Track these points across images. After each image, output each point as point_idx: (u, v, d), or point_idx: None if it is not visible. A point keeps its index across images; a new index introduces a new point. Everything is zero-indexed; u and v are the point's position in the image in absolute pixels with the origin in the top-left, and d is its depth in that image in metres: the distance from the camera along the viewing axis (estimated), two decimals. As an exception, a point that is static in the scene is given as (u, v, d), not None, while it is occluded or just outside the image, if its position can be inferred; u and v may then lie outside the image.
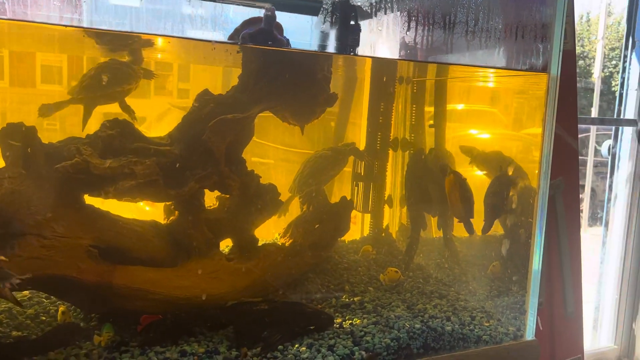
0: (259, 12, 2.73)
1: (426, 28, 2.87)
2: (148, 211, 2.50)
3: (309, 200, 2.86)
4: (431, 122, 3.12)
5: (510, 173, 2.71)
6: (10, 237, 1.88)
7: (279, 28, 2.51)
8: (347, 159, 3.13)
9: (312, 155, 3.08)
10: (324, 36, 3.49)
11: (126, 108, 2.45)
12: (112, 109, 2.60)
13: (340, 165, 3.12)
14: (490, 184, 2.77)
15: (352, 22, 3.38)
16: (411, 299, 2.61)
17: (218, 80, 3.31)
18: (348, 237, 3.24)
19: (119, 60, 2.48)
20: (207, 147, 2.25)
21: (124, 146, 2.11)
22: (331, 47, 3.47)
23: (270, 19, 2.44)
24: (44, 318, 2.18)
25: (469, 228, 2.70)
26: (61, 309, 2.17)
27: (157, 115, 3.21)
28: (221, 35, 2.45)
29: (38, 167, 1.99)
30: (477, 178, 2.97)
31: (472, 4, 2.49)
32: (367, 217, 3.39)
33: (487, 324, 2.47)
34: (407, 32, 2.89)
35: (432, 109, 3.16)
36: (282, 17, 2.99)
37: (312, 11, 3.33)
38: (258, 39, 2.46)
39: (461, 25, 2.60)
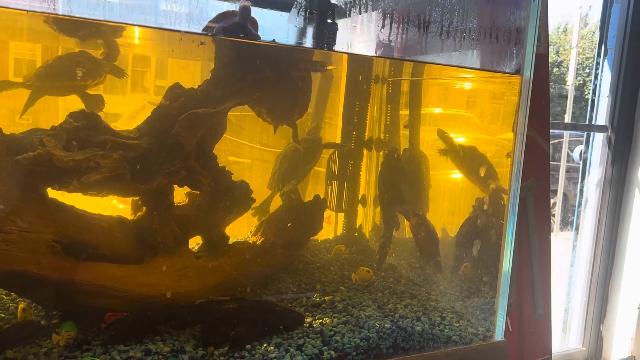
0: (235, 7, 2.71)
1: (402, 27, 2.87)
2: (115, 206, 2.45)
3: (285, 198, 2.83)
4: (406, 122, 3.11)
5: (482, 174, 2.73)
6: (-33, 230, 1.81)
7: (254, 23, 2.48)
8: (321, 150, 3.10)
9: (285, 148, 3.04)
10: (301, 34, 3.47)
11: (88, 101, 2.37)
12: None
13: (315, 157, 3.09)
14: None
15: (329, 20, 3.38)
16: (382, 299, 2.60)
17: (186, 73, 3.29)
18: (321, 237, 3.23)
19: (87, 54, 2.41)
20: (177, 141, 2.20)
21: (90, 139, 2.05)
22: (307, 45, 3.46)
23: (245, 12, 2.40)
24: (3, 315, 2.10)
25: (438, 267, 2.75)
26: (21, 306, 2.10)
27: (120, 105, 3.16)
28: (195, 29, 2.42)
29: (0, 159, 1.92)
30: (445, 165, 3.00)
31: (447, 4, 2.49)
32: (341, 216, 3.37)
33: (457, 325, 2.47)
34: (383, 31, 2.89)
35: (407, 109, 3.16)
36: (258, 13, 2.97)
37: (289, 8, 3.31)
38: (231, 33, 2.43)
39: (436, 25, 2.61)
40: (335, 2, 3.28)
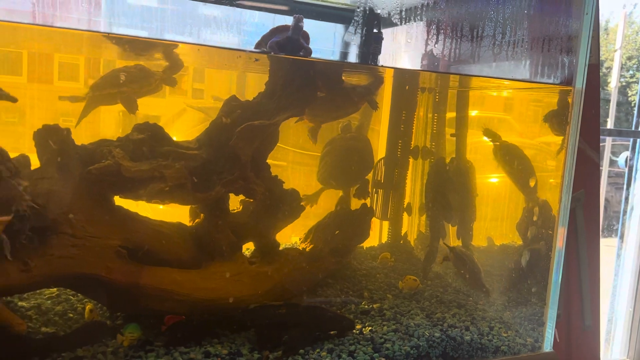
0: (284, 19, 2.79)
1: (450, 39, 2.90)
2: (170, 212, 2.55)
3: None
4: (453, 131, 3.13)
5: (532, 184, 2.73)
6: (44, 235, 1.93)
7: (306, 36, 2.55)
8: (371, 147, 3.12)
9: (331, 145, 3.06)
10: (346, 43, 3.53)
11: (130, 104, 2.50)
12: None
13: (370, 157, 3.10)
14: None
15: (375, 30, 3.43)
16: (430, 308, 2.63)
17: (239, 84, 3.41)
18: (366, 244, 3.27)
19: (141, 66, 2.54)
20: (234, 152, 2.29)
21: (154, 150, 2.16)
22: (353, 54, 3.51)
23: (298, 27, 2.47)
24: (71, 315, 2.23)
25: (487, 295, 2.76)
26: (88, 307, 2.22)
27: (173, 115, 3.29)
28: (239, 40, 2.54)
29: (71, 168, 2.04)
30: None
31: (500, 17, 2.51)
32: (386, 224, 3.41)
33: (505, 335, 2.48)
34: (431, 42, 2.93)
35: (453, 118, 3.18)
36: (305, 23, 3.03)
37: (335, 18, 3.38)
38: (285, 47, 2.51)
39: (485, 37, 2.63)
40: (383, 12, 3.34)
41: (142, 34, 2.34)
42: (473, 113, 3.31)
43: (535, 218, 2.66)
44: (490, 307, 2.74)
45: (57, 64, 2.90)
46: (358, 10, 3.48)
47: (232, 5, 2.60)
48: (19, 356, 1.84)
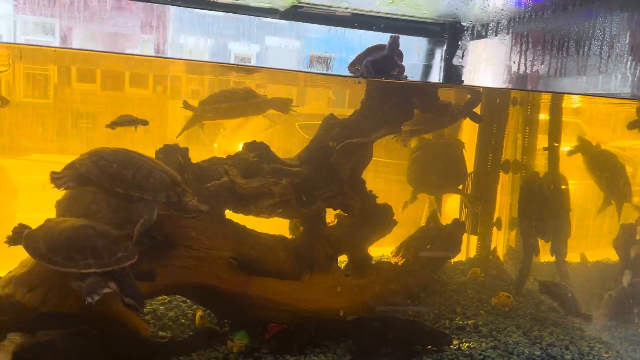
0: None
1: (539, 52, 2.87)
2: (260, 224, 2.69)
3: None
4: (545, 145, 3.08)
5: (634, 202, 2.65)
6: (167, 247, 2.10)
7: (400, 55, 2.61)
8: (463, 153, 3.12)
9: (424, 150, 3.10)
10: (429, 56, 3.56)
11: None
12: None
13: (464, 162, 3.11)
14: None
15: (460, 43, 3.44)
16: (525, 325, 2.60)
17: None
18: (454, 258, 3.26)
19: (248, 88, 2.74)
20: (333, 168, 2.38)
21: (262, 167, 2.29)
22: (436, 67, 3.54)
23: (393, 46, 2.54)
24: (183, 321, 2.39)
25: (587, 320, 2.65)
26: (199, 313, 2.38)
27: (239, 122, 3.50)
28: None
29: (189, 184, 2.20)
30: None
31: (598, 32, 2.47)
32: (473, 238, 3.39)
33: (606, 355, 2.42)
34: (521, 55, 2.91)
35: (545, 132, 3.13)
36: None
37: (419, 32, 3.42)
38: (380, 66, 2.58)
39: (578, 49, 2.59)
40: (471, 26, 3.35)
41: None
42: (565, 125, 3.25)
43: (639, 237, 2.57)
44: (588, 326, 2.66)
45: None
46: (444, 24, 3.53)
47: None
48: (145, 357, 2.00)
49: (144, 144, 3.35)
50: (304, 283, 2.40)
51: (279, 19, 3.06)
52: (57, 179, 1.87)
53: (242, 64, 2.71)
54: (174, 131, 3.46)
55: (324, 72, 3.08)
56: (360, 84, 2.57)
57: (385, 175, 3.48)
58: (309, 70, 3.05)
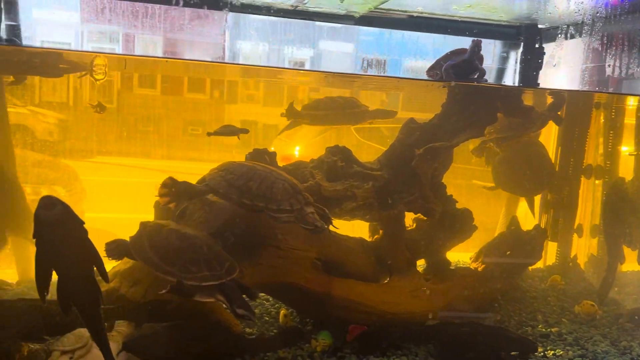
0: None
1: (622, 53, 2.78)
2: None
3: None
4: (631, 149, 2.97)
5: None
6: (256, 246, 2.19)
7: (480, 59, 2.60)
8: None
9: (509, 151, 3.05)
10: (503, 59, 3.52)
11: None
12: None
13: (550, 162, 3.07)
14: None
15: (537, 46, 3.37)
16: (611, 334, 2.52)
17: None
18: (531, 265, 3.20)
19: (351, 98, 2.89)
20: (414, 172, 2.40)
21: (345, 171, 2.34)
22: (511, 70, 3.49)
23: (475, 50, 2.53)
24: (267, 318, 2.48)
25: None
26: (282, 312, 2.45)
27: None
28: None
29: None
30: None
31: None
32: (552, 245, 3.30)
33: (703, 371, 2.30)
34: (603, 56, 2.83)
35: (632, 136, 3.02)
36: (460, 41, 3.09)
37: (493, 35, 3.38)
38: (460, 70, 2.58)
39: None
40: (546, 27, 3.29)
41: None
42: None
43: None
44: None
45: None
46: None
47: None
48: (237, 352, 2.09)
49: (201, 146, 3.53)
50: (384, 286, 2.43)
51: (354, 24, 3.12)
52: (161, 192, 1.99)
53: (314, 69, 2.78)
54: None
55: (396, 75, 3.12)
56: (445, 87, 2.57)
57: (453, 181, 3.46)
58: (379, 74, 3.11)
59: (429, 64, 2.74)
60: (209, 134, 2.39)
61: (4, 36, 2.44)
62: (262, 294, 2.61)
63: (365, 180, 2.33)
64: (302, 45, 2.94)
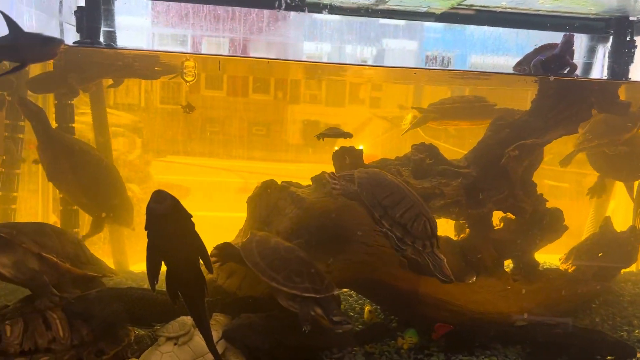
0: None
1: None
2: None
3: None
4: None
5: None
6: (343, 242, 2.23)
7: (571, 53, 2.52)
8: None
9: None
10: (590, 53, 3.36)
11: None
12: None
13: None
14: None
15: (628, 38, 3.20)
16: None
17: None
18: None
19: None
20: (504, 170, 2.36)
21: (431, 168, 2.33)
22: (599, 64, 3.34)
23: (567, 45, 2.46)
24: (351, 314, 2.51)
25: None
26: (367, 308, 2.48)
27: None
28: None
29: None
30: None
31: None
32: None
33: None
34: None
35: None
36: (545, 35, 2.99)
37: (581, 29, 3.24)
38: (550, 65, 2.51)
39: None
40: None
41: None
42: None
43: None
44: None
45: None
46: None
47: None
48: (326, 344, 2.14)
49: (265, 146, 3.60)
50: (472, 285, 2.40)
51: (434, 21, 3.10)
52: (333, 184, 2.05)
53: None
54: (292, 135, 3.66)
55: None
56: (537, 81, 2.51)
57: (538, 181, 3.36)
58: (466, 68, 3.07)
59: (511, 59, 2.70)
60: (317, 136, 2.40)
61: (103, 42, 2.60)
62: (346, 290, 2.66)
63: (453, 178, 2.32)
64: (365, 44, 2.94)
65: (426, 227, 1.92)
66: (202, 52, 2.94)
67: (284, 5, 2.36)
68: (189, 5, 2.70)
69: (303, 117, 3.39)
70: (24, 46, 1.74)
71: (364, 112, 3.77)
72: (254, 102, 3.75)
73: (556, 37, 2.63)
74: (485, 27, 3.02)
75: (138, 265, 3.04)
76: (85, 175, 2.59)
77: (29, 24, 2.60)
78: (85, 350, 1.86)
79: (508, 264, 2.65)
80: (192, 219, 1.70)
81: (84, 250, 2.12)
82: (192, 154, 3.64)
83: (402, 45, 3.20)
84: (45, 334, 1.82)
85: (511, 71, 2.68)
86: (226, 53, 2.92)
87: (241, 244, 2.00)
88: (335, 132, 2.24)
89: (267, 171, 3.60)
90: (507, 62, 2.85)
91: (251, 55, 2.99)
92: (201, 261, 1.74)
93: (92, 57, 2.58)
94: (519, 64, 2.64)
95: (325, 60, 3.01)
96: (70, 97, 2.63)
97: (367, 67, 3.13)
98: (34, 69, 2.69)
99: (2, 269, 1.84)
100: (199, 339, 1.88)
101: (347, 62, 3.04)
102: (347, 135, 2.26)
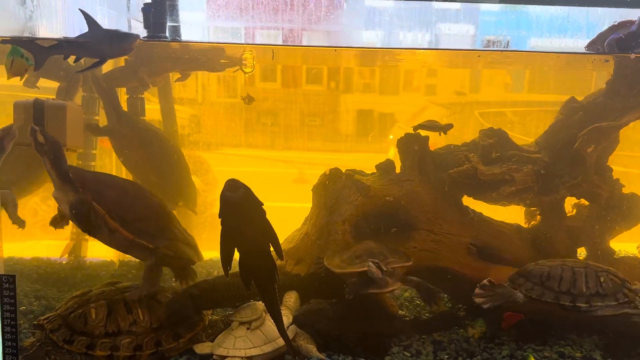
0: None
1: None
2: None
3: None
4: None
5: None
6: (409, 230, 2.21)
7: (651, 30, 2.37)
8: None
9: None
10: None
11: None
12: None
13: None
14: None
15: None
16: None
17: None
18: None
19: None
20: (578, 155, 2.26)
21: (501, 154, 2.27)
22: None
23: (644, 21, 2.32)
24: (418, 302, 2.49)
25: None
26: (434, 296, 2.45)
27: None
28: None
29: (428, 172, 2.29)
30: None
31: None
32: None
33: None
34: None
35: None
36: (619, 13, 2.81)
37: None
38: (627, 44, 2.38)
39: None
40: None
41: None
42: None
43: None
44: None
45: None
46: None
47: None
48: (394, 331, 2.14)
49: (320, 137, 3.59)
50: (544, 273, 2.33)
51: (498, 2, 3.00)
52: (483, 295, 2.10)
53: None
54: (346, 124, 3.62)
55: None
56: (608, 62, 2.39)
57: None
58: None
59: (580, 41, 2.57)
60: (414, 128, 2.36)
61: (169, 36, 2.68)
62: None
63: (523, 164, 2.25)
64: (420, 29, 2.86)
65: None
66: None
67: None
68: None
69: (356, 107, 3.37)
70: (103, 42, 1.83)
71: (419, 100, 3.70)
72: (308, 92, 3.77)
73: (632, 14, 2.50)
74: (551, 7, 2.89)
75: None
76: (153, 153, 2.69)
77: (102, 21, 2.72)
78: (164, 333, 1.94)
79: (581, 252, 2.55)
80: (263, 207, 1.74)
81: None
82: (248, 145, 3.71)
83: (457, 30, 3.11)
84: (126, 317, 1.92)
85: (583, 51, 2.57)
86: (282, 43, 2.94)
87: None
88: (432, 125, 2.22)
89: (321, 161, 3.61)
90: (575, 43, 2.72)
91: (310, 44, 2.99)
92: (272, 248, 1.79)
93: (161, 51, 2.66)
94: (592, 43, 2.52)
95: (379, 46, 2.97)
96: (141, 90, 2.73)
97: (424, 50, 3.05)
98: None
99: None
100: (270, 324, 1.92)
101: (406, 47, 2.98)
102: (447, 127, 2.23)
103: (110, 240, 1.96)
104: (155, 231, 2.01)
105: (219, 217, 1.74)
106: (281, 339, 1.88)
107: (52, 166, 1.86)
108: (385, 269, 1.93)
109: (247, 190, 1.71)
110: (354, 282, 2.00)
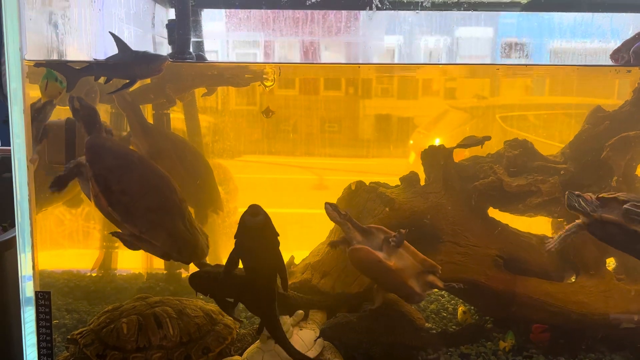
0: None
1: None
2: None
3: None
4: None
5: None
6: (434, 242, 2.21)
7: (681, 36, 2.34)
8: None
9: None
10: None
11: None
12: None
13: None
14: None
15: None
16: None
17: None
18: None
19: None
20: (605, 164, 2.24)
21: (526, 165, 2.26)
22: None
23: (674, 28, 2.29)
24: (444, 314, 2.48)
25: None
26: (461, 308, 2.44)
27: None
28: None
29: (453, 184, 2.28)
30: None
31: None
32: None
33: None
34: None
35: None
36: None
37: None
38: (653, 51, 2.35)
39: None
40: None
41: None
42: None
43: None
44: None
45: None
46: None
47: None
48: (421, 344, 2.14)
49: (337, 143, 3.59)
50: (573, 285, 2.30)
51: (520, 11, 2.99)
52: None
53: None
54: (365, 130, 3.61)
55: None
56: (630, 72, 2.36)
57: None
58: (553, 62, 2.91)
59: (607, 46, 2.54)
60: (456, 146, 2.35)
61: (193, 52, 2.73)
62: (436, 290, 2.63)
63: (549, 174, 2.23)
64: (438, 33, 2.86)
65: None
66: (276, 56, 3.01)
67: (375, 8, 2.37)
68: (269, 11, 2.77)
69: (375, 112, 3.37)
70: (133, 64, 1.88)
71: (439, 104, 3.69)
72: (326, 99, 3.78)
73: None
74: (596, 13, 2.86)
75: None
76: (187, 161, 2.73)
77: (128, 39, 2.79)
78: (193, 347, 1.97)
79: (610, 262, 2.52)
80: (278, 237, 1.79)
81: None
82: (268, 152, 3.73)
83: (476, 34, 3.10)
84: (157, 331, 1.96)
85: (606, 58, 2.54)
86: (299, 55, 2.97)
87: None
88: (473, 141, 2.23)
89: (341, 167, 3.61)
90: (600, 48, 2.69)
91: (330, 58, 3.02)
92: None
93: (188, 68, 2.72)
94: (617, 51, 2.49)
95: (397, 53, 2.97)
96: (168, 106, 2.79)
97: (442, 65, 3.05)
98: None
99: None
100: (297, 338, 1.94)
101: (423, 62, 2.98)
102: (485, 139, 2.24)
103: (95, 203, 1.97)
104: (146, 215, 1.97)
105: (234, 238, 1.79)
106: (310, 351, 1.90)
107: (85, 129, 2.03)
108: None
109: (266, 218, 1.77)
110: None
